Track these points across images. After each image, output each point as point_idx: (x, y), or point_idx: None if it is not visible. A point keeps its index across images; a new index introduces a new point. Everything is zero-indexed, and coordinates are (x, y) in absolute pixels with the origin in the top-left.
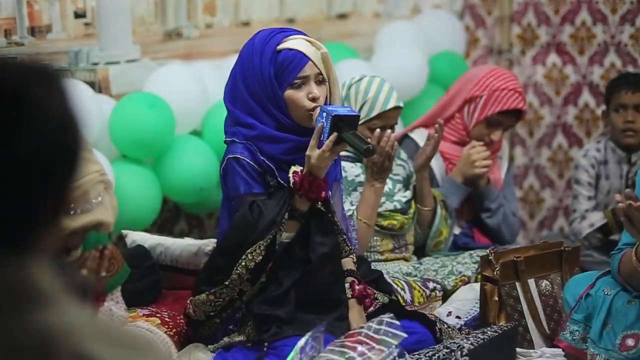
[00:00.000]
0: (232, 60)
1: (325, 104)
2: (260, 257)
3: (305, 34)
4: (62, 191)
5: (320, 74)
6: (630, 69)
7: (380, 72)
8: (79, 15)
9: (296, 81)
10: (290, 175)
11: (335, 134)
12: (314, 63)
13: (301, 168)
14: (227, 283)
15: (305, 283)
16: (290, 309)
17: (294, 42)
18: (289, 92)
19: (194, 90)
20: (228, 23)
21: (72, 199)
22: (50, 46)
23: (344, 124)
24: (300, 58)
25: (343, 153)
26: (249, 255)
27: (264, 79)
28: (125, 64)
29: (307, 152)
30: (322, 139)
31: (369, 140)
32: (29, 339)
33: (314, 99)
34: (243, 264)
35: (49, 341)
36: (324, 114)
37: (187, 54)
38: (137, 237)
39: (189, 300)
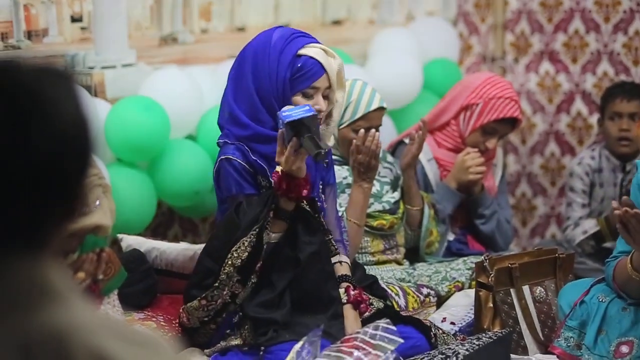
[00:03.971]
0: (227, 65)
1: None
2: (246, 254)
3: (322, 44)
4: (74, 191)
5: (329, 87)
6: (623, 77)
7: (375, 78)
8: (75, 19)
9: (308, 90)
10: (272, 176)
11: (294, 140)
12: (328, 76)
13: (282, 169)
14: (216, 284)
15: (296, 283)
16: (286, 312)
17: (314, 51)
18: (297, 98)
19: (189, 94)
20: (223, 28)
21: (83, 199)
22: (46, 50)
23: (302, 127)
24: (318, 69)
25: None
26: (234, 253)
27: (278, 80)
28: (121, 68)
29: (276, 159)
30: (286, 143)
31: (334, 142)
32: (44, 336)
33: (318, 112)
34: (229, 262)
35: (63, 338)
36: (280, 122)
37: (183, 58)
38: (132, 241)
39: (181, 309)
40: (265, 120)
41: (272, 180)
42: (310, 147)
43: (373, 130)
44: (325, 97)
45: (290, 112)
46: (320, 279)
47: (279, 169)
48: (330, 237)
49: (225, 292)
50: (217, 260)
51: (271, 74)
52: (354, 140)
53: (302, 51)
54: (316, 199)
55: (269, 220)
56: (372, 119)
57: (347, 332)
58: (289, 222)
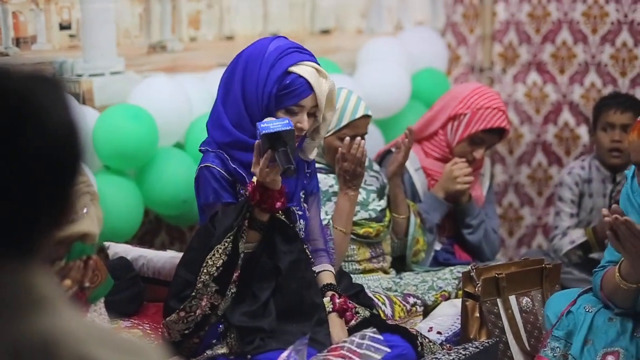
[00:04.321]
0: (216, 73)
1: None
2: (221, 261)
3: (317, 62)
4: (64, 198)
5: (315, 106)
6: (611, 88)
7: (363, 87)
8: (64, 27)
9: (293, 107)
10: (248, 186)
11: (269, 152)
12: (316, 96)
13: (256, 179)
14: (193, 294)
15: (278, 293)
16: (272, 320)
17: (306, 70)
18: (280, 114)
19: (177, 102)
20: (212, 37)
21: (72, 206)
22: (34, 57)
23: (278, 140)
24: (306, 89)
25: (317, 165)
26: (208, 261)
27: (264, 93)
28: (109, 76)
29: (252, 169)
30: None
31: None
32: (32, 343)
33: (300, 130)
34: (205, 271)
35: (51, 345)
36: (257, 132)
37: (171, 67)
38: (119, 249)
39: (162, 324)
40: (247, 128)
41: (247, 191)
42: (281, 161)
43: (358, 138)
44: (311, 115)
45: (269, 124)
46: (302, 287)
47: (254, 179)
48: (306, 246)
49: (204, 303)
50: (194, 270)
51: (259, 86)
52: (340, 149)
53: (293, 68)
54: (293, 208)
55: (244, 229)
56: (357, 127)
57: (333, 340)
58: (263, 233)
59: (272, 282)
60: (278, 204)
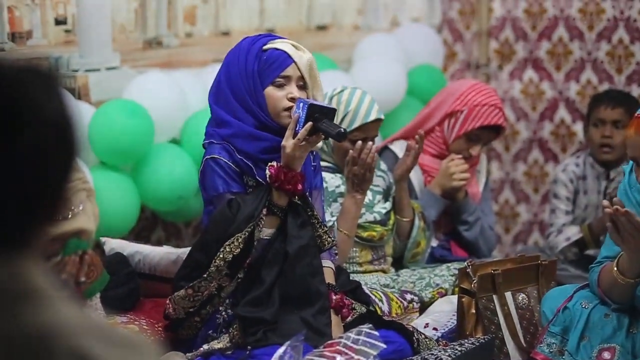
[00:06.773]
0: (212, 69)
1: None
2: (239, 250)
3: (291, 40)
4: (57, 192)
5: (302, 78)
6: (607, 85)
7: (359, 84)
8: (59, 22)
9: (278, 79)
10: (267, 169)
11: (310, 123)
12: (298, 66)
13: (278, 163)
14: (205, 276)
15: (284, 277)
16: (275, 310)
17: (280, 44)
18: (269, 90)
19: (173, 98)
20: (208, 32)
21: (66, 201)
22: (30, 52)
23: (320, 115)
24: (285, 58)
25: (323, 164)
26: (227, 247)
27: (247, 74)
28: (105, 72)
29: (283, 142)
30: (297, 129)
31: (350, 151)
32: (26, 337)
33: (292, 100)
34: (221, 256)
35: (45, 339)
36: (301, 104)
37: (167, 62)
38: (115, 245)
39: (168, 299)
40: (244, 118)
41: (269, 173)
42: (329, 129)
43: (370, 143)
44: (301, 88)
45: (312, 101)
46: (308, 273)
47: (273, 163)
48: (325, 229)
49: (212, 284)
50: (209, 254)
51: (241, 73)
52: (350, 152)
53: (267, 46)
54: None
55: (263, 216)
56: (368, 130)
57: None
58: (282, 218)
59: (278, 266)
60: (300, 186)
